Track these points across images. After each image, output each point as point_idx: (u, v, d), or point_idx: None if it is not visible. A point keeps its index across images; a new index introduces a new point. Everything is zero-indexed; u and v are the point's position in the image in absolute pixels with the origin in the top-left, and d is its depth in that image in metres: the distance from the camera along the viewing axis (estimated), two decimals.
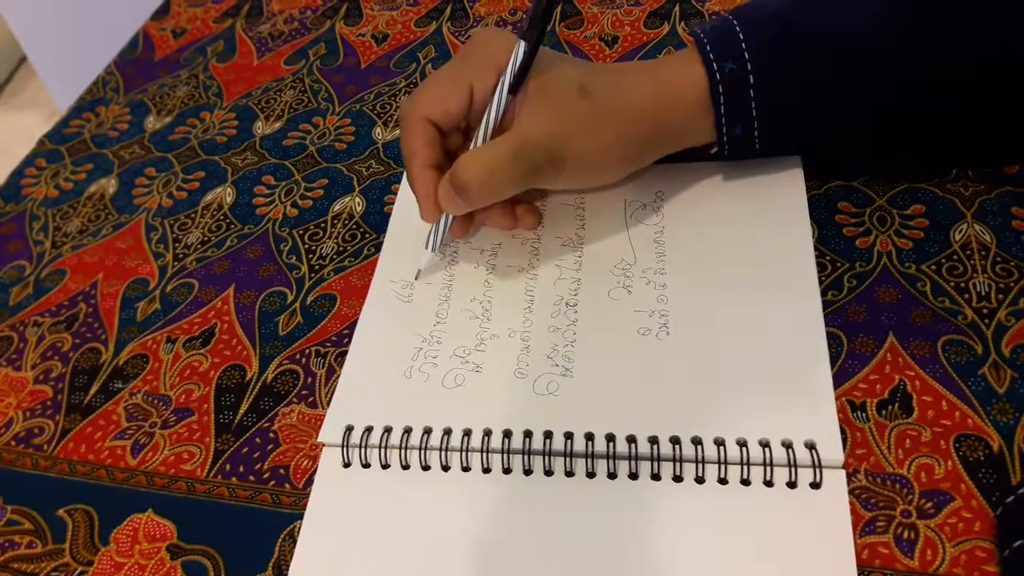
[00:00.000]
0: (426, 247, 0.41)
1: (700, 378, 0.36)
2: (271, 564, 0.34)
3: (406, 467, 0.36)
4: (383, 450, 0.36)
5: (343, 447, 0.36)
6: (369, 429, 0.37)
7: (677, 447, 0.34)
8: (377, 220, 0.47)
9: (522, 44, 0.37)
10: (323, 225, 0.48)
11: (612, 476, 0.34)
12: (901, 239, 0.39)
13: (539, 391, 0.37)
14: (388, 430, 0.36)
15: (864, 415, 0.34)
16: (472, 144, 0.38)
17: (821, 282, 0.38)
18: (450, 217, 0.40)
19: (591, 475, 0.34)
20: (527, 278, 0.41)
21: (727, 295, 0.38)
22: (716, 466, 0.33)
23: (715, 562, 0.31)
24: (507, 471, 0.35)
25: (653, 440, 0.34)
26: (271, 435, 0.39)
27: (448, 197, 0.38)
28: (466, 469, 0.35)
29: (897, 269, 0.38)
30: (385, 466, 0.36)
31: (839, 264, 0.39)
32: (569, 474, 0.34)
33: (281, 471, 0.37)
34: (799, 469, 0.32)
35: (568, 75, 0.38)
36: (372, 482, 0.36)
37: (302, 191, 0.50)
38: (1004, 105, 0.37)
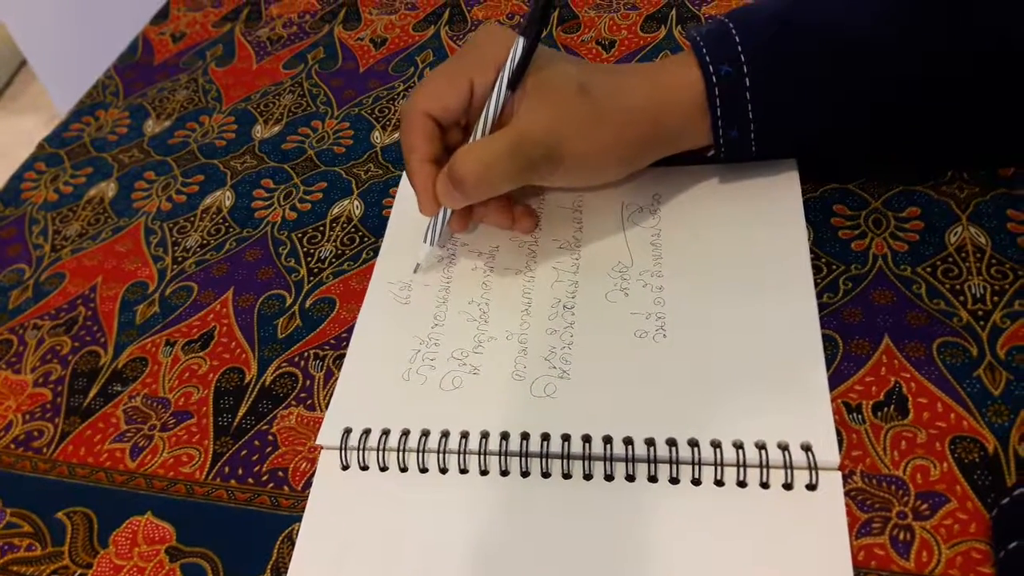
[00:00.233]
0: (424, 241, 0.42)
1: (697, 380, 0.36)
2: (269, 566, 0.34)
3: (404, 469, 0.36)
4: (381, 452, 0.36)
5: (341, 449, 0.37)
6: (367, 431, 0.37)
7: (674, 449, 0.34)
8: (376, 223, 0.47)
9: (521, 40, 0.37)
10: (322, 228, 0.48)
11: (609, 478, 0.34)
12: (896, 241, 0.40)
13: (536, 393, 0.37)
14: (386, 432, 0.37)
15: (860, 417, 0.34)
16: (471, 139, 0.39)
17: (817, 284, 0.38)
18: (448, 211, 0.41)
19: (588, 477, 0.34)
20: (524, 280, 0.42)
21: (723, 297, 0.38)
22: (713, 468, 0.33)
23: (712, 564, 0.31)
24: (505, 473, 0.35)
25: (650, 442, 0.34)
26: (270, 438, 0.39)
27: (446, 191, 0.38)
28: (464, 471, 0.35)
29: (892, 271, 0.39)
30: (383, 468, 0.36)
31: (835, 266, 0.39)
32: (566, 476, 0.34)
33: (280, 473, 0.37)
34: (795, 471, 0.33)
35: (567, 73, 0.38)
36: (370, 484, 0.36)
37: (301, 194, 0.50)
38: (1003, 106, 0.37)
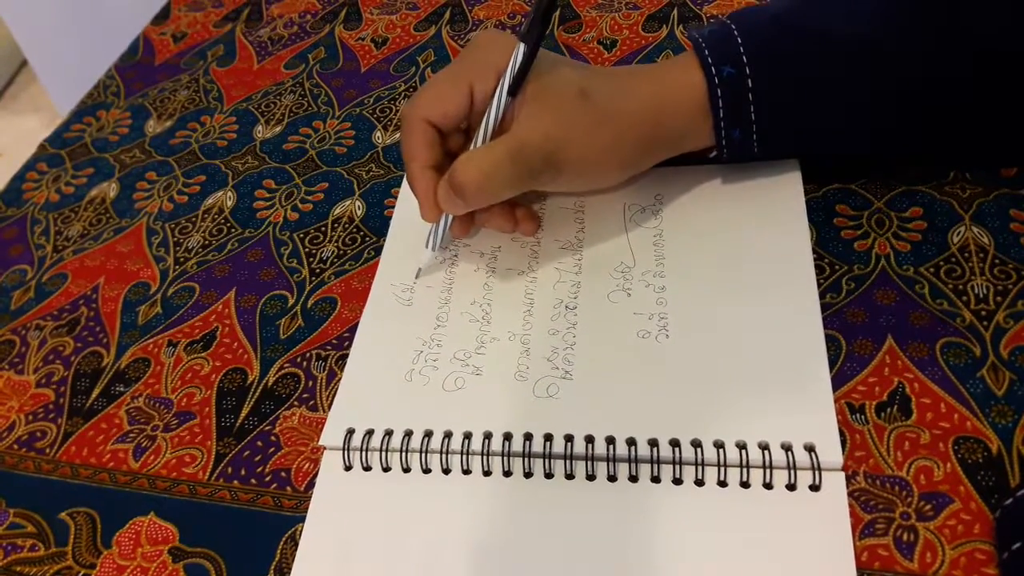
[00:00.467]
0: (426, 246, 0.42)
1: (699, 380, 0.36)
2: (273, 567, 0.34)
3: (407, 470, 0.36)
4: (384, 453, 0.36)
5: (344, 450, 0.37)
6: (370, 432, 0.37)
7: (677, 450, 0.34)
8: (377, 224, 0.47)
9: (521, 46, 0.37)
10: (323, 229, 0.48)
11: (612, 479, 0.34)
12: (899, 241, 0.40)
13: (539, 394, 0.37)
14: (389, 433, 0.37)
15: (863, 417, 0.34)
16: (472, 145, 0.39)
17: (819, 284, 0.38)
18: (450, 217, 0.41)
19: (591, 478, 0.34)
20: (527, 281, 0.42)
21: (726, 298, 0.38)
22: (715, 468, 0.33)
23: (715, 565, 0.31)
24: (507, 474, 0.35)
25: (653, 443, 0.34)
26: (272, 438, 0.39)
27: (447, 197, 0.38)
28: (466, 472, 0.35)
29: (895, 271, 0.39)
30: (386, 469, 0.36)
31: (837, 266, 0.39)
32: (569, 477, 0.34)
33: (283, 474, 0.37)
34: (798, 471, 0.33)
35: (568, 78, 0.38)
36: (373, 485, 0.36)
37: (302, 195, 0.50)
38: (1004, 105, 0.37)
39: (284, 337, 0.43)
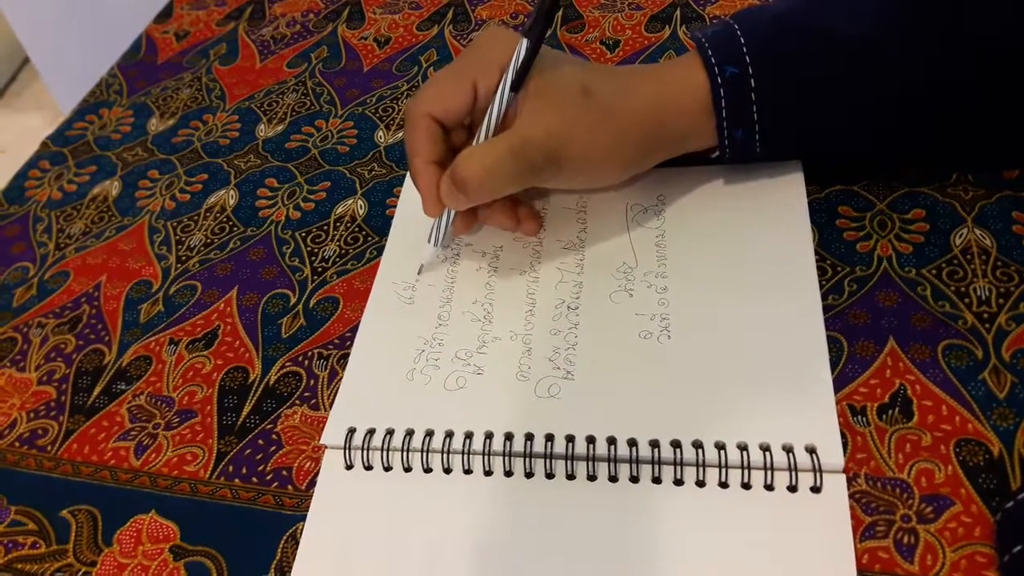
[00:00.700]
0: (428, 241, 0.42)
1: (701, 381, 0.36)
2: (273, 565, 0.34)
3: (408, 469, 0.36)
4: (385, 452, 0.36)
5: (345, 449, 0.37)
6: (371, 431, 0.37)
7: (678, 450, 0.34)
8: (379, 223, 0.47)
9: (524, 42, 0.37)
10: (325, 228, 0.48)
11: (613, 479, 0.34)
12: (901, 243, 0.40)
13: (540, 394, 0.37)
14: (390, 432, 0.37)
15: (864, 419, 0.34)
16: (475, 141, 0.39)
17: (822, 286, 0.38)
18: (453, 212, 0.41)
19: (592, 478, 0.34)
20: (528, 281, 0.42)
21: (728, 298, 0.38)
22: (717, 470, 0.33)
23: (715, 566, 0.31)
24: (508, 474, 0.35)
25: (654, 443, 0.34)
26: (274, 437, 0.39)
27: (449, 193, 0.38)
28: (468, 472, 0.35)
29: (897, 273, 0.39)
30: (387, 468, 0.36)
31: (839, 268, 0.39)
32: (570, 477, 0.34)
33: (284, 473, 0.37)
34: (799, 473, 0.33)
35: (571, 76, 0.38)
36: (374, 484, 0.36)
37: (304, 194, 0.50)
38: (1007, 106, 0.37)
39: (286, 336, 0.43)
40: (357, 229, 0.47)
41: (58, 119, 0.65)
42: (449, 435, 0.36)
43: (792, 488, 0.32)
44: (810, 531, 0.32)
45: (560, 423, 0.36)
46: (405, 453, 0.36)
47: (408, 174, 0.48)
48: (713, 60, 0.38)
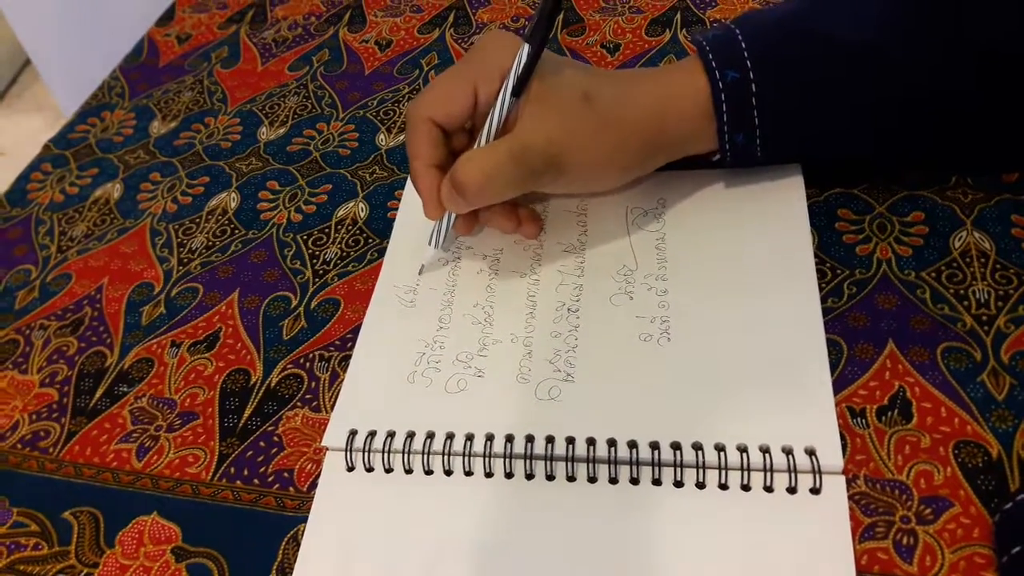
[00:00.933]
0: (429, 243, 0.42)
1: (701, 384, 0.36)
2: (275, 567, 0.35)
3: (409, 471, 0.36)
4: (386, 454, 0.36)
5: (346, 451, 0.37)
6: (372, 433, 0.37)
7: (678, 452, 0.34)
8: (380, 226, 0.48)
9: (526, 47, 0.37)
10: (327, 230, 0.48)
11: (613, 481, 0.34)
12: (901, 246, 0.40)
13: (541, 396, 0.37)
14: (391, 434, 0.37)
15: (864, 421, 0.35)
16: (475, 145, 0.39)
17: (821, 289, 0.39)
18: (453, 215, 0.41)
19: (592, 480, 0.34)
20: (529, 283, 0.42)
21: (728, 301, 0.39)
22: (717, 471, 0.33)
23: (715, 567, 0.31)
24: (509, 476, 0.35)
25: (654, 445, 0.34)
26: (275, 439, 0.39)
27: (449, 196, 0.38)
28: (468, 474, 0.35)
29: (897, 276, 0.39)
30: (388, 470, 0.36)
31: (839, 271, 0.39)
32: (571, 479, 0.35)
33: (285, 475, 0.38)
34: (799, 475, 0.33)
35: (572, 81, 0.38)
36: (375, 486, 0.36)
37: (306, 196, 0.51)
38: (1007, 110, 0.37)
39: (287, 338, 0.43)
40: (358, 232, 0.48)
41: (59, 121, 0.65)
42: (450, 437, 0.36)
43: (791, 490, 0.33)
44: (809, 532, 0.32)
45: (560, 425, 0.36)
46: (406, 455, 0.36)
47: (409, 177, 0.48)
48: (714, 64, 0.38)
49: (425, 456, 0.36)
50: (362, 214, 0.49)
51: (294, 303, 0.45)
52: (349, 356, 0.41)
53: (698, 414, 0.35)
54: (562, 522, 0.34)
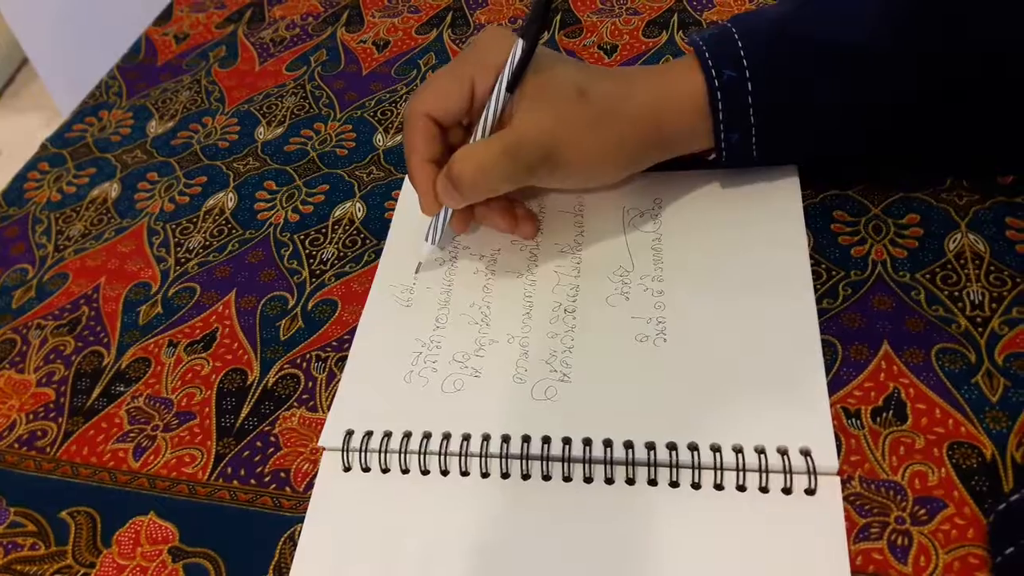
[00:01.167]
0: (426, 239, 0.42)
1: (697, 384, 0.36)
2: (272, 567, 0.35)
3: (406, 471, 0.36)
4: (383, 454, 0.36)
5: (343, 451, 0.37)
6: (369, 433, 0.37)
7: (674, 453, 0.34)
8: (378, 226, 0.48)
9: (520, 43, 0.37)
10: (324, 230, 0.48)
11: (609, 481, 0.34)
12: (896, 248, 0.40)
13: (537, 396, 0.37)
14: (388, 434, 0.37)
15: (859, 422, 0.35)
16: (471, 140, 0.39)
17: (816, 290, 0.39)
18: (450, 211, 0.41)
19: (588, 480, 0.34)
20: (526, 284, 0.42)
21: (723, 302, 0.39)
22: (712, 472, 0.33)
23: (710, 567, 0.32)
24: (505, 476, 0.35)
25: (650, 446, 0.34)
26: (272, 439, 0.39)
27: (445, 190, 0.38)
28: (465, 474, 0.36)
29: (892, 278, 0.39)
30: (385, 470, 0.36)
31: (834, 272, 0.40)
32: (567, 479, 0.35)
33: (282, 475, 0.38)
34: (794, 475, 0.33)
35: (567, 76, 0.38)
36: (372, 486, 0.36)
37: (303, 196, 0.51)
38: (1001, 110, 0.38)
39: (284, 338, 0.43)
40: (355, 232, 0.48)
41: (56, 120, 0.65)
42: (446, 437, 0.36)
43: (787, 490, 0.33)
44: (804, 533, 0.32)
45: (557, 425, 0.36)
46: (402, 455, 0.36)
47: (406, 177, 0.48)
48: (711, 63, 0.38)
49: (422, 456, 0.36)
50: (359, 214, 0.49)
51: (291, 303, 0.45)
52: (346, 356, 0.41)
53: (694, 414, 0.35)
54: (558, 522, 0.34)
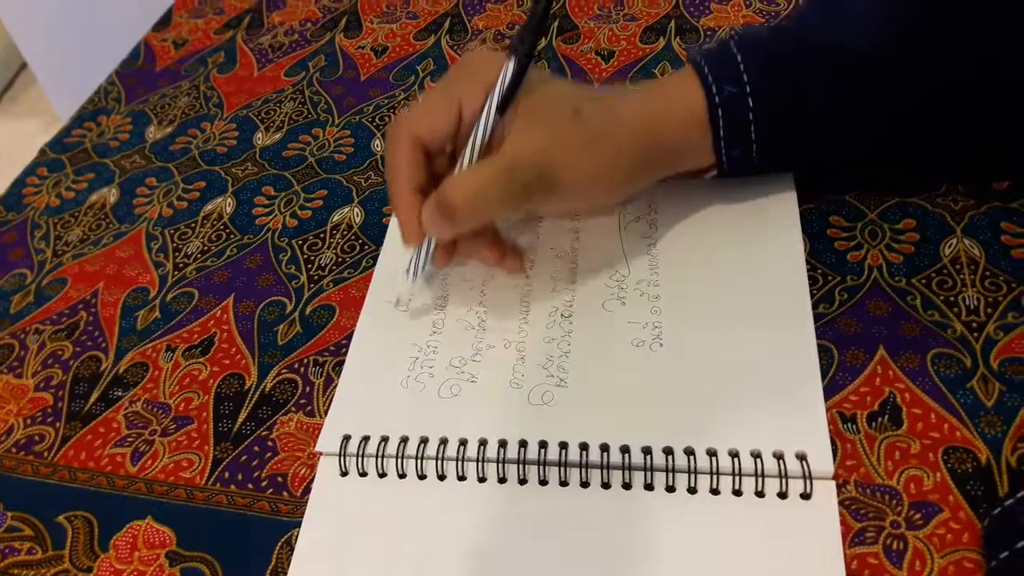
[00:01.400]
0: (407, 271, 0.39)
1: (693, 389, 0.36)
2: (269, 571, 0.35)
3: (402, 476, 0.36)
4: (380, 459, 0.36)
5: (340, 456, 0.37)
6: (366, 438, 0.37)
7: (670, 457, 0.34)
8: (376, 231, 0.48)
9: (511, 62, 0.36)
10: (322, 235, 0.48)
11: (606, 486, 0.34)
12: (892, 253, 0.40)
13: (534, 401, 0.37)
14: (385, 439, 0.37)
15: (854, 427, 0.35)
16: (459, 162, 0.37)
17: (813, 295, 0.39)
18: (433, 243, 0.39)
19: (585, 484, 0.35)
20: (522, 289, 0.42)
21: (720, 307, 0.39)
22: (708, 476, 0.34)
23: (706, 571, 0.32)
24: (502, 480, 0.35)
25: (646, 450, 0.34)
26: (269, 443, 0.39)
27: (433, 219, 0.36)
28: (462, 478, 0.36)
29: (888, 283, 0.39)
30: (382, 475, 0.36)
31: (830, 277, 0.40)
32: (563, 484, 0.35)
33: (279, 479, 0.38)
34: (790, 480, 0.33)
35: (561, 96, 0.38)
36: (369, 491, 0.36)
37: (301, 202, 0.51)
38: (1002, 118, 0.38)
39: (282, 343, 0.43)
40: (353, 237, 0.48)
41: (55, 125, 0.65)
42: (443, 442, 0.36)
43: (782, 495, 0.33)
44: (800, 537, 0.32)
45: (553, 430, 0.36)
46: (400, 460, 0.36)
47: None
48: (711, 79, 0.37)
49: (419, 461, 0.36)
50: (357, 219, 0.49)
51: (289, 308, 0.45)
52: (343, 361, 0.41)
53: (690, 419, 0.35)
54: (555, 527, 0.34)
